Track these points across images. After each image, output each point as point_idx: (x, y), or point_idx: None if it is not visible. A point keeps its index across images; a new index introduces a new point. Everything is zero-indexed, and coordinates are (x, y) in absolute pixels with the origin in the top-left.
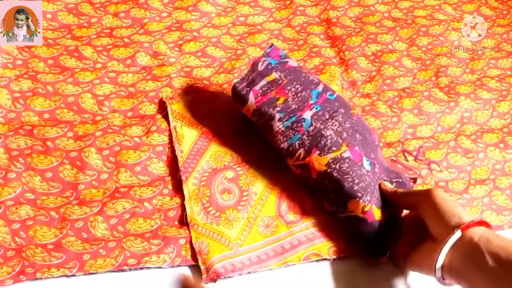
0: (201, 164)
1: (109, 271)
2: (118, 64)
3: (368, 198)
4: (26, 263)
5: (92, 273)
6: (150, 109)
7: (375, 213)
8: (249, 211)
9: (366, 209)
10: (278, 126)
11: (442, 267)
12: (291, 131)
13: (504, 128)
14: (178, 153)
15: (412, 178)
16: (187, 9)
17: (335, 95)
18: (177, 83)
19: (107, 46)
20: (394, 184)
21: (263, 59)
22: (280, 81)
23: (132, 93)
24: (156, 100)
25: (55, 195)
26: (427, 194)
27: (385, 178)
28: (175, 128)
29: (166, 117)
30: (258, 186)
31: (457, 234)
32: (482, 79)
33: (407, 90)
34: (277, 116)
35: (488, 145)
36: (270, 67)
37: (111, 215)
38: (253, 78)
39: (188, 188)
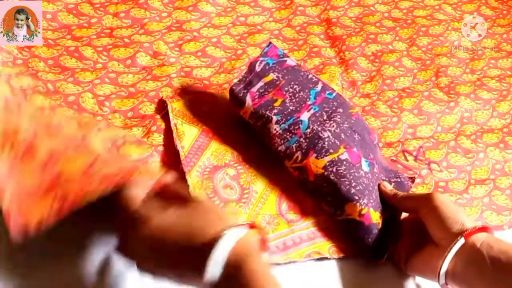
0: (202, 160)
1: None
2: (118, 65)
3: (365, 201)
4: None
5: None
6: (150, 109)
7: (373, 216)
8: (250, 209)
9: (363, 212)
10: (275, 129)
11: (446, 273)
12: (288, 133)
13: (504, 128)
14: (179, 148)
15: (410, 178)
16: (187, 9)
17: (334, 94)
18: (177, 83)
19: (107, 46)
20: (393, 184)
21: (261, 59)
22: (278, 82)
23: (132, 93)
24: (156, 100)
25: None
26: (428, 199)
27: (384, 178)
28: (175, 126)
29: (165, 116)
30: (259, 185)
31: (461, 241)
32: (482, 79)
33: (407, 90)
34: (274, 118)
35: (488, 145)
36: (267, 67)
37: None
38: (251, 79)
39: (192, 179)
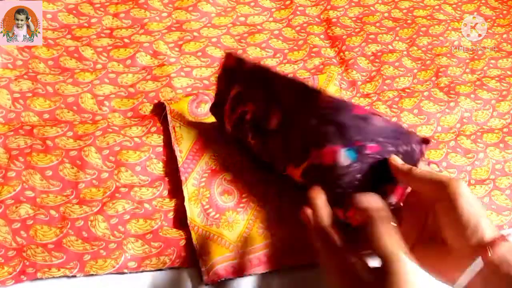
0: (200, 164)
1: (109, 273)
2: (118, 65)
3: (348, 201)
4: (27, 263)
5: (92, 274)
6: (150, 109)
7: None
8: (249, 213)
9: (347, 214)
10: (253, 142)
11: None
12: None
13: (504, 128)
14: (177, 153)
15: (423, 140)
16: (187, 9)
17: None
18: (177, 83)
19: (107, 47)
20: (400, 155)
21: (221, 72)
22: (242, 93)
23: (132, 94)
24: (156, 101)
25: (55, 193)
26: (448, 191)
27: (391, 148)
28: (174, 128)
29: (165, 119)
30: (258, 188)
31: (479, 262)
32: (482, 79)
33: (407, 90)
34: (250, 134)
35: (488, 145)
36: (231, 79)
37: (111, 215)
38: (221, 97)
39: (188, 189)
